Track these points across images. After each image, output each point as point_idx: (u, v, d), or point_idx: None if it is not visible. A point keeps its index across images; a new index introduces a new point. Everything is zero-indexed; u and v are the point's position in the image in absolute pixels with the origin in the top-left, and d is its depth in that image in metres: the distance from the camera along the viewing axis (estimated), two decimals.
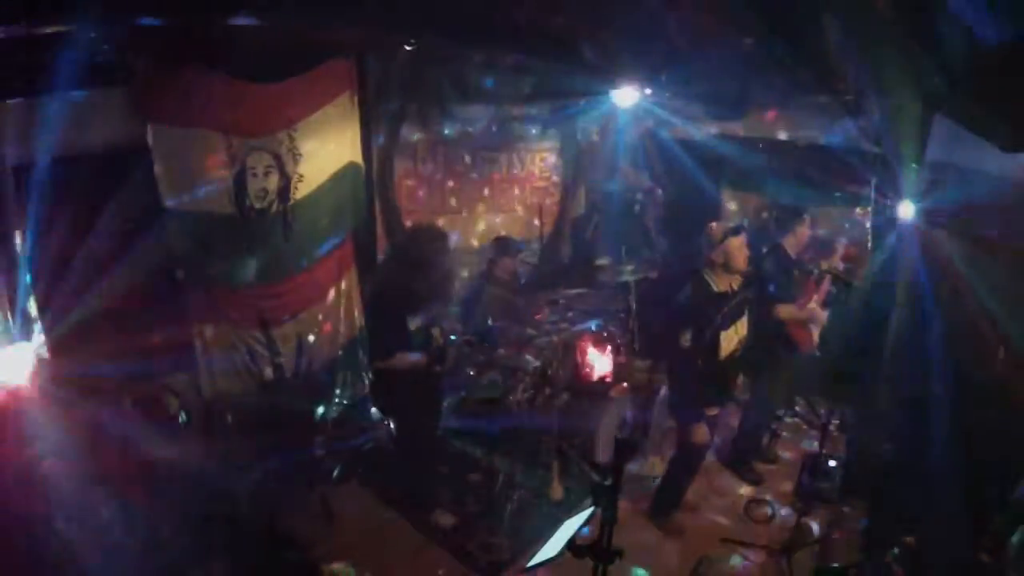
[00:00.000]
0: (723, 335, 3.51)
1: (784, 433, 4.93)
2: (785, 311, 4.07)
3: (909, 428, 3.99)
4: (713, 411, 3.74)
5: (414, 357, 3.63)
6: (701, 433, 3.63)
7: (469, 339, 4.01)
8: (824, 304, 4.22)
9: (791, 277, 4.15)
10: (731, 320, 3.55)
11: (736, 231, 3.52)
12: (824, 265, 4.17)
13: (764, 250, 4.28)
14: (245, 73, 3.81)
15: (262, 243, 4.18)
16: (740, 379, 3.99)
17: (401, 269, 3.75)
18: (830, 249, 4.48)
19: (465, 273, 5.58)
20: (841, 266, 4.35)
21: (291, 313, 4.43)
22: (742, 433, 4.54)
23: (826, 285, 4.17)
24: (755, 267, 4.18)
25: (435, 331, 3.75)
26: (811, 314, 4.16)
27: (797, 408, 5.21)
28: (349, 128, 4.55)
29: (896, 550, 3.42)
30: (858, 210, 4.98)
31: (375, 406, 4.44)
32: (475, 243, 5.64)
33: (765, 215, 5.86)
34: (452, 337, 3.92)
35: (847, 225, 4.78)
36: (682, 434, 3.82)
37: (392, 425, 4.16)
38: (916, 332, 4.04)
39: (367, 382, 4.50)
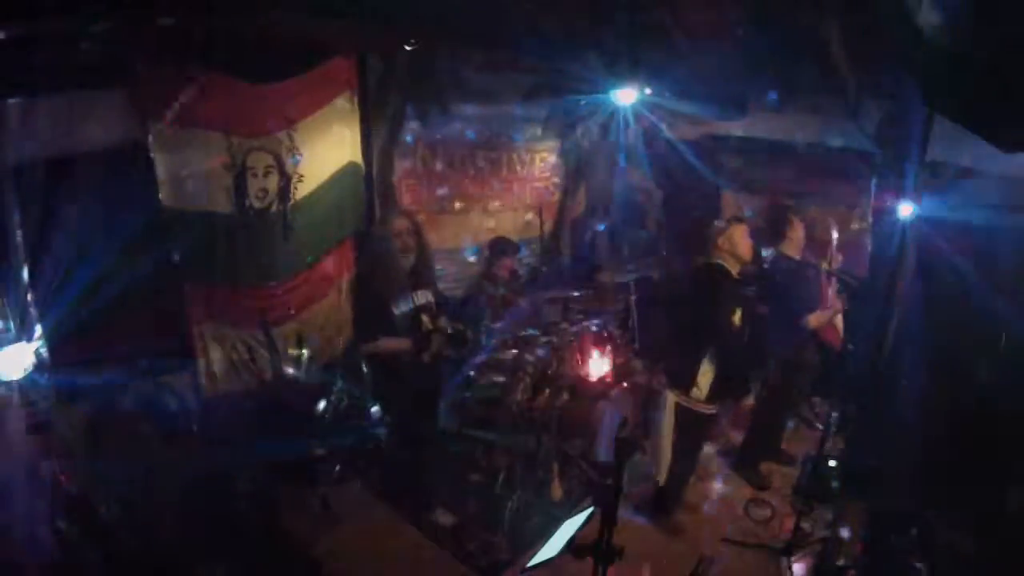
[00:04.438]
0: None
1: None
2: (815, 319, 4.02)
3: (909, 426, 3.99)
4: (713, 408, 3.74)
5: (398, 342, 3.62)
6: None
7: (454, 329, 3.94)
8: (839, 297, 4.19)
9: (805, 281, 4.10)
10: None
11: (738, 220, 3.68)
12: (825, 265, 4.16)
13: (769, 258, 4.28)
14: (245, 73, 3.82)
15: (262, 243, 4.18)
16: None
17: (381, 254, 3.75)
18: (825, 243, 4.42)
19: (464, 273, 5.58)
20: (840, 260, 4.31)
21: (291, 313, 4.43)
22: (753, 436, 4.52)
23: (834, 281, 4.15)
24: (760, 269, 4.18)
25: (424, 318, 3.72)
26: (834, 310, 4.13)
27: (799, 408, 5.20)
28: (349, 128, 4.55)
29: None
30: (858, 210, 4.97)
31: (372, 390, 4.42)
32: (475, 243, 5.63)
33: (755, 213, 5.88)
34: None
35: (830, 225, 4.73)
36: (682, 429, 3.82)
37: (389, 416, 4.14)
38: (915, 331, 4.04)
39: (364, 369, 4.47)
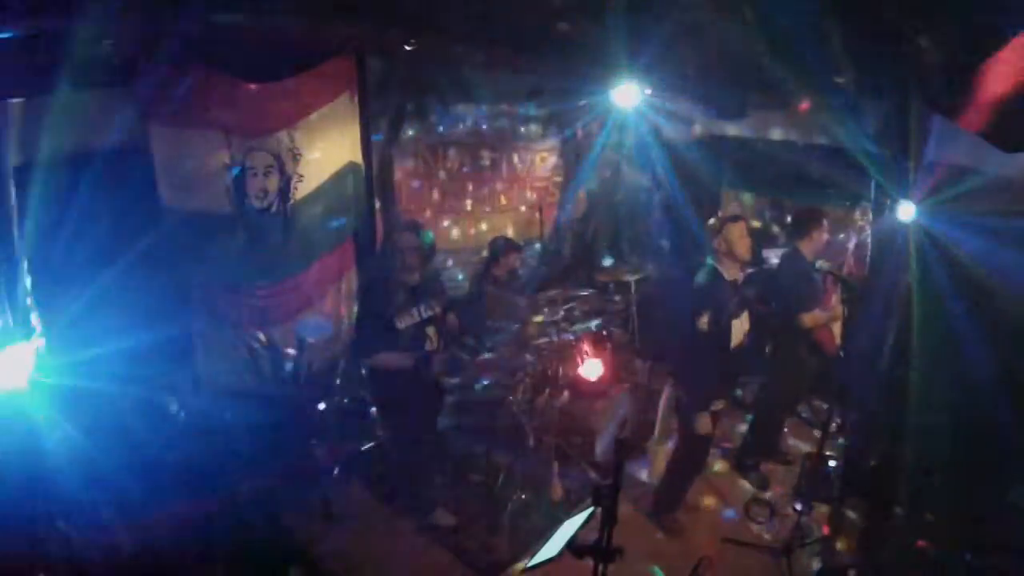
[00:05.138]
0: (734, 323, 3.54)
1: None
2: (811, 319, 4.00)
3: (909, 427, 3.99)
4: (719, 405, 3.69)
5: (399, 359, 3.53)
6: (705, 424, 3.60)
7: (459, 350, 3.90)
8: (841, 303, 4.14)
9: (811, 281, 4.07)
10: (739, 310, 3.57)
11: (734, 219, 3.55)
12: (825, 266, 4.14)
13: (780, 255, 4.26)
14: (245, 73, 3.82)
15: (262, 243, 4.18)
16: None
17: (384, 266, 3.68)
18: (841, 250, 4.39)
19: (465, 273, 5.58)
20: (853, 268, 4.28)
21: (291, 313, 4.44)
22: (754, 434, 4.52)
23: (839, 287, 4.10)
24: (761, 268, 4.15)
25: (430, 331, 3.66)
26: (832, 315, 4.11)
27: (798, 408, 5.20)
28: (349, 128, 4.55)
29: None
30: (858, 210, 4.96)
31: (372, 402, 4.42)
32: (475, 243, 5.64)
33: (765, 217, 5.88)
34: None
35: (848, 232, 4.71)
36: (685, 429, 3.81)
37: (388, 423, 4.12)
38: (915, 331, 4.03)
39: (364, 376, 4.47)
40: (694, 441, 3.80)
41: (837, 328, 4.17)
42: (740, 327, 3.60)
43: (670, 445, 4.23)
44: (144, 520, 3.30)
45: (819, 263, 4.04)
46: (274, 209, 4.21)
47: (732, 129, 5.68)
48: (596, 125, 6.01)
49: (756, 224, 5.87)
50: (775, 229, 5.67)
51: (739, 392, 5.17)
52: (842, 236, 4.93)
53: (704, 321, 3.44)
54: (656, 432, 4.40)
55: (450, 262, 5.58)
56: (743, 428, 4.79)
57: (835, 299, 4.13)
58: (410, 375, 3.55)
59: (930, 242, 3.81)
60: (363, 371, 4.21)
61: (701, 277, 3.56)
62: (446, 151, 5.37)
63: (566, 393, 4.46)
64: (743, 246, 3.49)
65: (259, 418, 4.11)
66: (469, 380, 4.26)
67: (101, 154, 3.37)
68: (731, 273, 3.54)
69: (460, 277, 5.55)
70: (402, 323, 3.52)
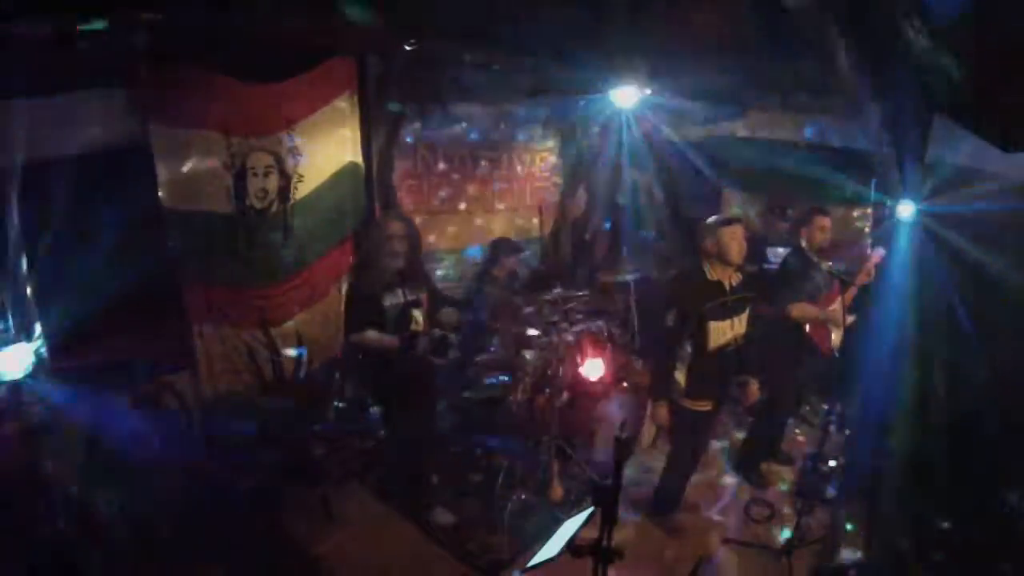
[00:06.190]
0: (712, 325, 3.46)
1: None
2: (797, 309, 3.96)
3: (908, 428, 3.99)
4: (704, 406, 3.64)
5: (385, 337, 3.54)
6: (660, 414, 3.60)
7: (444, 334, 3.87)
8: (849, 308, 4.01)
9: (811, 278, 4.03)
10: (724, 314, 3.49)
11: (728, 221, 3.46)
12: (825, 266, 4.12)
13: (784, 253, 4.26)
14: (245, 73, 3.82)
15: (262, 243, 4.19)
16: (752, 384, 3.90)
17: (373, 248, 3.68)
18: (863, 257, 4.30)
19: (465, 274, 5.58)
20: (870, 276, 4.21)
21: (291, 313, 4.44)
22: (753, 436, 4.52)
23: (853, 289, 3.99)
24: (758, 266, 4.13)
25: (415, 313, 3.64)
26: (829, 315, 4.07)
27: (798, 408, 5.20)
28: (349, 128, 4.55)
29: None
30: (858, 210, 4.97)
31: (361, 385, 4.37)
32: (474, 243, 5.64)
33: (756, 213, 5.88)
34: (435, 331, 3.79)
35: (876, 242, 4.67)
36: (673, 429, 3.80)
37: (383, 409, 4.09)
38: (915, 332, 4.03)
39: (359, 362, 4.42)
40: (685, 439, 3.80)
41: (836, 331, 4.15)
42: (724, 330, 3.52)
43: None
44: (144, 520, 3.30)
45: (825, 264, 4.02)
46: (274, 209, 4.22)
47: (732, 129, 5.68)
48: (596, 125, 6.01)
49: (756, 217, 5.86)
50: (780, 226, 5.64)
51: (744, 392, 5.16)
52: (860, 229, 4.89)
53: (669, 317, 3.44)
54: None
55: (450, 262, 5.58)
56: (743, 428, 4.80)
57: (838, 303, 4.09)
58: (398, 355, 3.54)
59: (930, 242, 3.80)
60: (357, 356, 4.16)
61: (679, 275, 3.56)
62: (446, 151, 5.37)
63: (566, 393, 4.46)
64: (735, 249, 3.41)
65: (259, 418, 4.12)
66: (469, 379, 4.26)
67: (101, 154, 3.37)
68: (716, 275, 3.47)
69: (461, 278, 5.54)
70: (387, 301, 3.53)
